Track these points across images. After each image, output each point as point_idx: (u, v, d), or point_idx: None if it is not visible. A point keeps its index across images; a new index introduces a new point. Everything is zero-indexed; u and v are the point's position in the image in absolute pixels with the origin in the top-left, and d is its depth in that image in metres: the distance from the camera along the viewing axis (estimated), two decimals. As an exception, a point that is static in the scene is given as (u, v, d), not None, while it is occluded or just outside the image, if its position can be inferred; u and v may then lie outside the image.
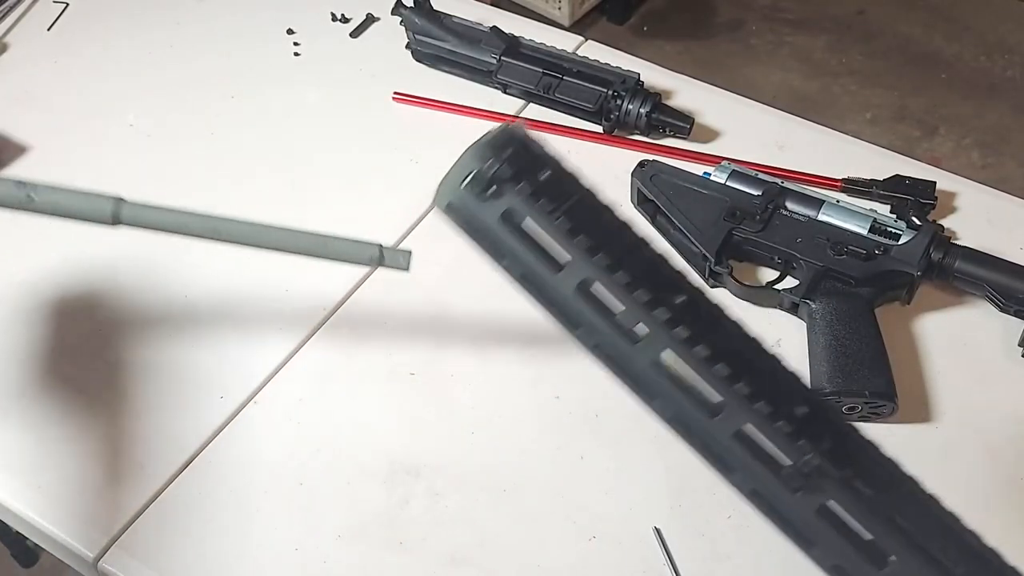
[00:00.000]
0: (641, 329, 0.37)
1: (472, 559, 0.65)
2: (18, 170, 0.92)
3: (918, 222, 0.75)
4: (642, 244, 0.37)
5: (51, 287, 0.82)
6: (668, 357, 0.36)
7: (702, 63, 2.15)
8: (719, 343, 0.36)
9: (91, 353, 0.77)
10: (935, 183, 0.81)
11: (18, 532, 0.77)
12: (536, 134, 0.36)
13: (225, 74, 0.97)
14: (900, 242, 0.74)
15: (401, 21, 0.97)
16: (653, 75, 0.95)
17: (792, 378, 0.37)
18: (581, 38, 1.00)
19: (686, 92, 0.94)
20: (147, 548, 0.66)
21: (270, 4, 1.07)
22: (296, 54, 1.01)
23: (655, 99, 0.88)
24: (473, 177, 0.35)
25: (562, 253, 0.36)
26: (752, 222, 0.77)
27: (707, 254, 0.76)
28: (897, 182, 0.82)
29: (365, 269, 0.81)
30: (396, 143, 0.92)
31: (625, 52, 0.98)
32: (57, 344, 0.78)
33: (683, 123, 0.88)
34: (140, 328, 0.79)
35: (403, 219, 0.85)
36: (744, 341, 0.37)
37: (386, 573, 0.65)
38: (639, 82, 0.89)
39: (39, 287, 0.82)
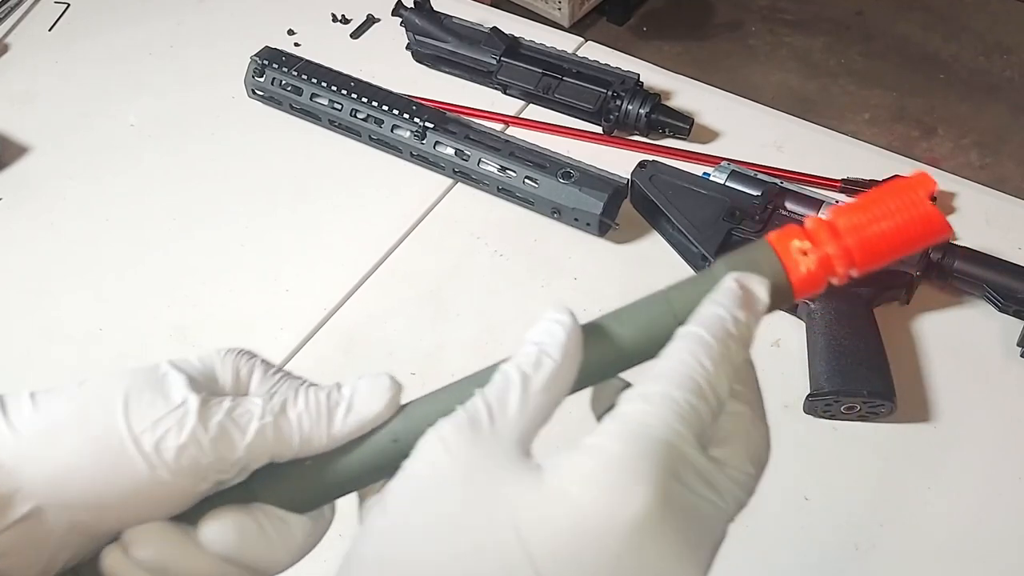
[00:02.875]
0: None
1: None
2: (19, 170, 0.92)
3: (917, 222, 0.76)
4: None
5: (51, 282, 0.83)
6: None
7: (701, 64, 2.16)
8: None
9: (90, 355, 0.78)
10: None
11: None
12: None
13: (226, 75, 0.97)
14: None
15: (401, 22, 0.97)
16: (652, 76, 0.95)
17: None
18: (581, 39, 1.00)
19: (685, 93, 0.94)
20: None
21: (271, 5, 1.08)
22: (296, 55, 1.02)
23: (654, 100, 0.88)
24: None
25: None
26: (751, 222, 0.77)
27: (706, 254, 0.76)
28: (896, 182, 0.82)
29: (369, 265, 0.82)
30: (396, 143, 0.92)
31: (625, 53, 0.98)
32: (55, 342, 0.79)
33: (682, 123, 0.88)
34: (138, 328, 0.79)
35: (404, 218, 0.85)
36: None
37: (387, 572, 0.65)
38: (639, 83, 0.89)
39: (44, 284, 0.83)
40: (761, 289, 0.34)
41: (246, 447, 0.34)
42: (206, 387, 0.35)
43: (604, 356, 0.35)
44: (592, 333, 0.35)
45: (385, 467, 0.35)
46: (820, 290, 0.36)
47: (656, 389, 0.31)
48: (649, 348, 0.35)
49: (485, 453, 0.31)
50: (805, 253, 0.34)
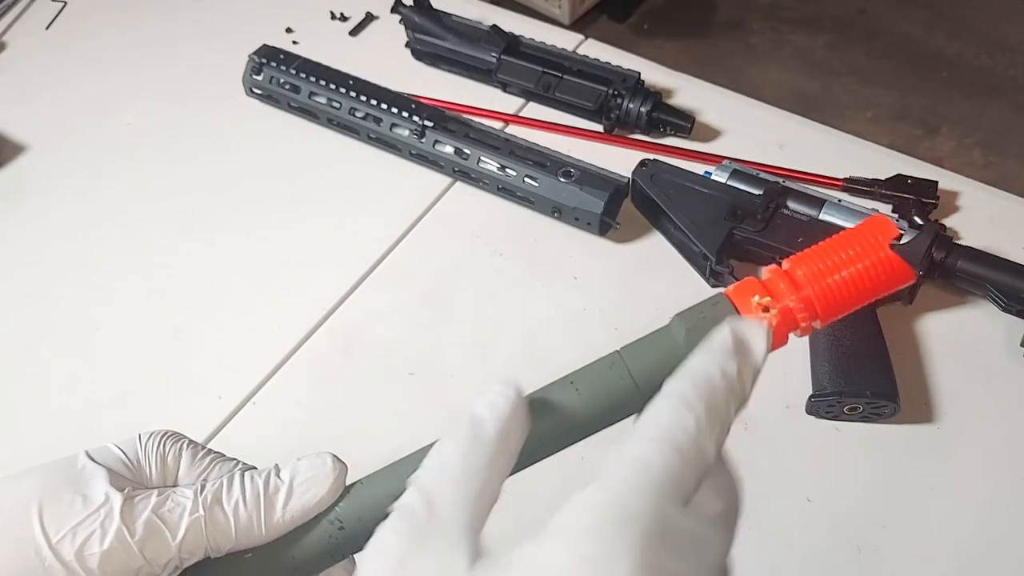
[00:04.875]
0: None
1: (471, 560, 0.65)
2: (16, 169, 0.92)
3: (920, 222, 0.75)
4: None
5: (47, 282, 0.82)
6: None
7: (703, 62, 2.15)
8: None
9: (87, 355, 0.77)
10: (937, 182, 0.81)
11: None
12: None
13: (224, 73, 0.97)
14: (902, 242, 0.74)
15: (400, 19, 0.97)
16: (654, 74, 0.94)
17: None
18: (581, 36, 1.00)
19: (687, 91, 0.94)
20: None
21: (269, 2, 1.07)
22: (295, 53, 1.01)
23: (656, 98, 0.88)
24: None
25: None
26: (753, 221, 0.77)
27: (708, 253, 0.76)
28: (899, 181, 0.81)
29: (367, 265, 0.81)
30: (395, 142, 0.91)
31: (625, 51, 0.97)
32: (52, 343, 0.78)
33: (684, 122, 0.88)
34: (135, 327, 0.79)
35: (403, 218, 0.85)
36: None
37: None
38: (639, 81, 0.89)
39: (40, 284, 0.82)
40: (758, 338, 0.32)
41: (178, 546, 0.30)
42: (130, 477, 0.32)
43: (556, 426, 0.33)
44: (541, 403, 0.33)
45: (332, 554, 0.33)
46: (783, 344, 0.34)
47: (633, 452, 0.28)
48: (605, 414, 0.33)
49: (430, 555, 0.27)
50: (766, 308, 0.33)
